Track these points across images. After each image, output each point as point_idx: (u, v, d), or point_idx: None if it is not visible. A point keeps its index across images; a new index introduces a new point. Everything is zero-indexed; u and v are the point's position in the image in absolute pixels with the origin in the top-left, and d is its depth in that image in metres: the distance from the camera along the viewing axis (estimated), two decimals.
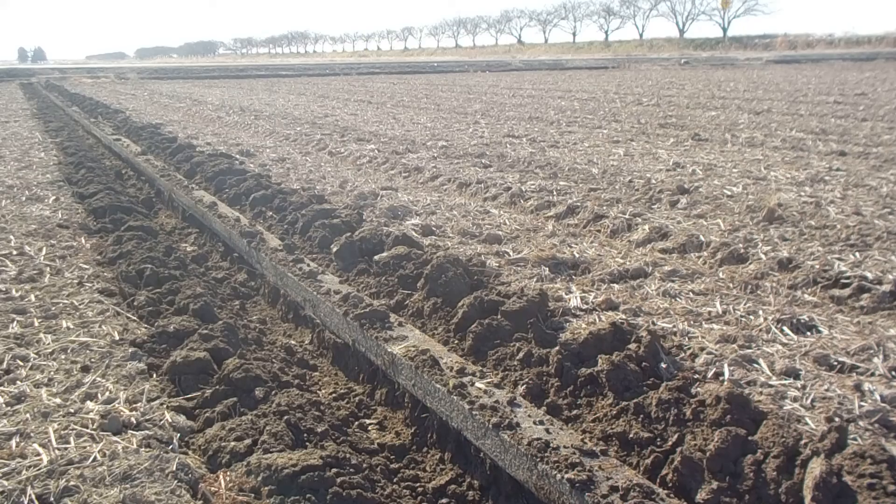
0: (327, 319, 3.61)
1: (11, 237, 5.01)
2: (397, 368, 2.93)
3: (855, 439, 2.19)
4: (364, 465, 2.43)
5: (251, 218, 5.58)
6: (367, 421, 2.98)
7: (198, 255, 5.06)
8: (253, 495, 2.13)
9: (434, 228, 5.10)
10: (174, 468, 2.23)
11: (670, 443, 2.21)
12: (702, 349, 2.91)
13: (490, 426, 2.33)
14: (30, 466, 2.21)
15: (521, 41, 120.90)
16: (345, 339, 3.42)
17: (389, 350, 2.97)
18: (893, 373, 2.68)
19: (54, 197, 6.51)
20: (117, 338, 3.26)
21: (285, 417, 2.52)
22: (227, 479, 2.20)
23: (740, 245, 4.33)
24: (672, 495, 2.00)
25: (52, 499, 2.06)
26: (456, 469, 2.59)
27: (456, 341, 3.15)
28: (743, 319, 3.27)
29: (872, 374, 2.68)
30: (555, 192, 6.13)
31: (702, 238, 4.51)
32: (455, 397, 2.52)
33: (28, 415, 2.54)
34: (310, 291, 3.78)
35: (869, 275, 3.66)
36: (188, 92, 24.42)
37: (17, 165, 8.31)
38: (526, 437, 2.23)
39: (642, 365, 2.64)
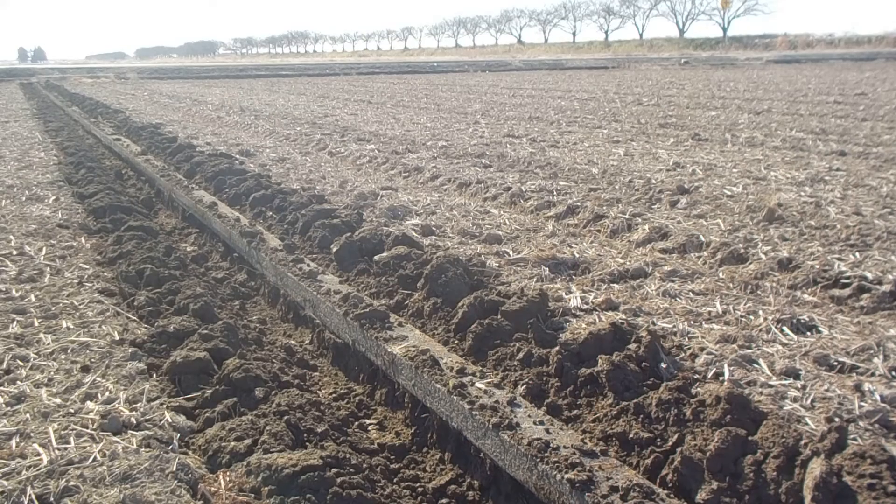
0: (327, 319, 3.61)
1: (11, 237, 5.01)
2: (397, 368, 2.93)
3: (855, 439, 2.19)
4: (364, 465, 2.43)
5: (251, 218, 5.58)
6: (367, 421, 2.98)
7: (198, 255, 5.06)
8: (253, 495, 2.13)
9: (434, 228, 5.10)
10: (174, 468, 2.23)
11: (670, 443, 2.21)
12: (702, 349, 2.91)
13: (490, 426, 2.33)
14: (30, 466, 2.21)
15: (521, 41, 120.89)
16: (345, 339, 3.42)
17: (389, 350, 2.97)
18: (893, 373, 2.68)
19: (54, 197, 6.51)
20: (117, 338, 3.26)
21: (285, 417, 2.52)
22: (227, 479, 2.20)
23: (740, 245, 4.33)
24: (672, 495, 2.00)
25: (52, 499, 2.06)
26: (456, 469, 2.59)
27: (456, 341, 3.15)
28: (743, 319, 3.27)
29: (872, 375, 2.68)
30: (555, 192, 6.13)
31: (702, 238, 4.51)
32: (455, 397, 2.52)
33: (28, 415, 2.54)
34: (310, 291, 3.78)
35: (869, 275, 3.66)
36: (188, 92, 24.42)
37: (17, 165, 8.31)
38: (526, 437, 2.23)
39: (642, 365, 2.64)
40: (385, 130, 11.30)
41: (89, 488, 2.11)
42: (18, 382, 2.79)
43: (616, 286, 3.80)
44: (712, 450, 2.04)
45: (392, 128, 11.70)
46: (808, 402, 2.48)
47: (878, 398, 2.47)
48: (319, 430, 2.55)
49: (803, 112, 12.53)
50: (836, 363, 2.79)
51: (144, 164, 8.37)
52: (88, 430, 2.44)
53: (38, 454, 2.27)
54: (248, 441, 2.39)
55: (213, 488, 2.16)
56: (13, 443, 2.34)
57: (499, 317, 3.13)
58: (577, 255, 4.34)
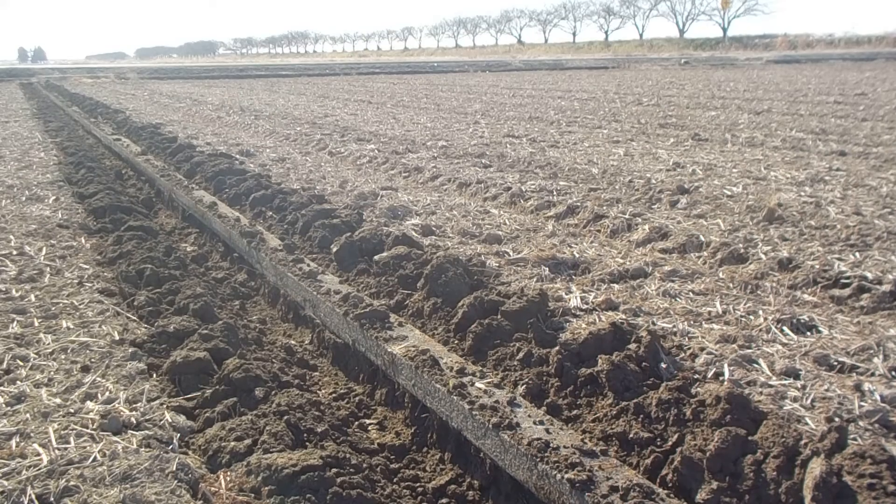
0: (327, 319, 3.61)
1: (11, 237, 5.01)
2: (397, 368, 2.93)
3: (855, 439, 2.19)
4: (364, 465, 2.43)
5: (251, 218, 5.58)
6: (367, 421, 2.98)
7: (198, 255, 5.06)
8: (253, 495, 2.13)
9: (434, 228, 5.10)
10: (174, 468, 2.23)
11: (670, 443, 2.21)
12: (702, 349, 2.91)
13: (490, 426, 2.33)
14: (30, 466, 2.21)
15: (521, 41, 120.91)
16: (345, 339, 3.43)
17: (389, 350, 2.97)
18: (893, 373, 2.68)
19: (54, 197, 6.51)
20: (117, 338, 3.26)
21: (285, 417, 2.52)
22: (227, 479, 2.20)
23: (740, 245, 4.33)
24: (672, 495, 2.00)
25: (52, 499, 2.06)
26: (456, 469, 2.59)
27: (456, 341, 3.15)
28: (743, 319, 3.27)
29: (872, 374, 2.68)
30: (555, 192, 6.13)
31: (702, 238, 4.51)
32: (455, 397, 2.52)
33: (28, 415, 2.54)
34: (310, 291, 3.78)
35: (869, 275, 3.66)
36: (188, 92, 24.42)
37: (17, 165, 8.31)
38: (526, 437, 2.23)
39: (642, 365, 2.64)
40: (385, 130, 11.30)
41: (89, 488, 2.11)
42: (18, 382, 2.79)
43: (616, 286, 3.80)
44: (712, 450, 2.04)
45: (392, 128, 11.70)
46: (808, 401, 2.48)
47: (878, 398, 2.47)
48: (319, 430, 2.55)
49: (803, 112, 12.53)
50: (836, 363, 2.79)
51: (144, 164, 8.37)
52: (88, 430, 2.44)
53: (38, 454, 2.27)
54: (248, 441, 2.39)
55: (213, 488, 2.16)
56: (13, 443, 2.34)
57: (499, 317, 3.13)
58: (577, 255, 4.34)
